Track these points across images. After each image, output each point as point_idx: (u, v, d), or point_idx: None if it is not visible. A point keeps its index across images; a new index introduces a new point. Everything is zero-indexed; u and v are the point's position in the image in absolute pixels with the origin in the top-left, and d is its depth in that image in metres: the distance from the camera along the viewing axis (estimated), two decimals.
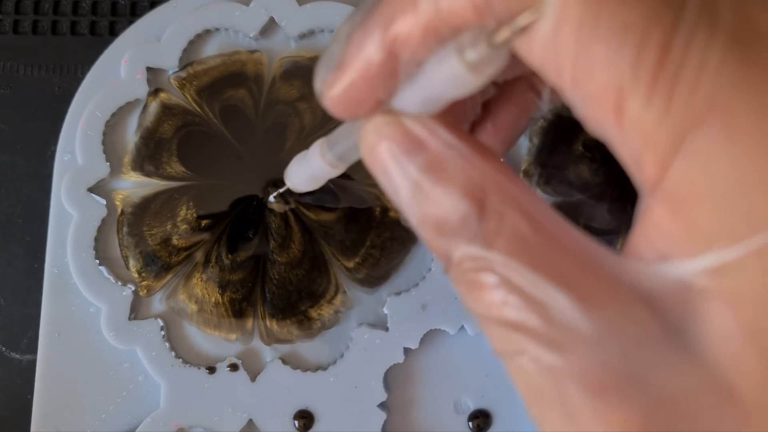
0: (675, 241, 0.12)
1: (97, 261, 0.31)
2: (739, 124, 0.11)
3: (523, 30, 0.12)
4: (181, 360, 0.30)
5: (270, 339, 0.31)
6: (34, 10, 0.36)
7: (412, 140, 0.14)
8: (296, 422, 0.30)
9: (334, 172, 0.19)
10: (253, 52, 0.33)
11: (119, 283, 0.31)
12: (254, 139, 0.32)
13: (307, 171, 0.20)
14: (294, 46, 0.34)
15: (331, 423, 0.30)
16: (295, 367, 0.31)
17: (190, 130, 0.32)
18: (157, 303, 0.31)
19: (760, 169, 0.11)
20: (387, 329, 0.31)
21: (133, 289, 0.31)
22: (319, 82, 0.15)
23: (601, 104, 0.12)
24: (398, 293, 0.31)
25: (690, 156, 0.11)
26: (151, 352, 0.30)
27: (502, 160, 0.14)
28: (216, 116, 0.32)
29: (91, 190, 0.32)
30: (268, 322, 0.31)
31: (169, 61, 0.33)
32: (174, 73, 0.33)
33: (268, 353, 0.31)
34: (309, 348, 0.31)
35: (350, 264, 0.31)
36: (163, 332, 0.31)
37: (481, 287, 0.13)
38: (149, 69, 0.33)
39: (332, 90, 0.14)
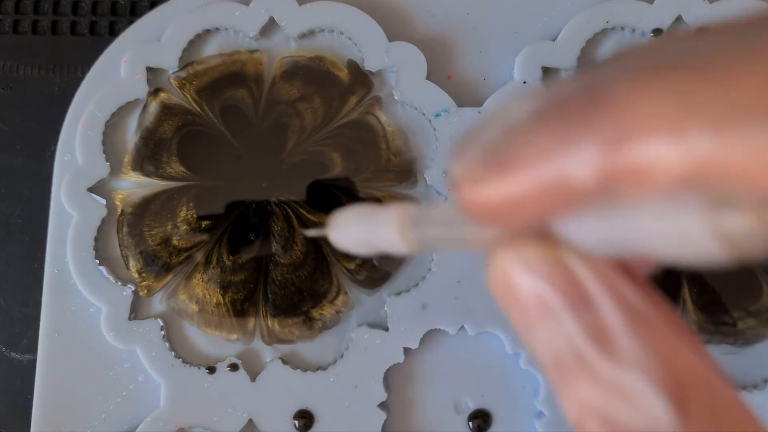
0: None
1: (97, 261, 0.31)
2: None
3: None
4: (181, 360, 0.31)
5: (271, 339, 0.31)
6: (34, 10, 0.36)
7: (577, 291, 0.10)
8: (296, 422, 0.30)
9: (403, 251, 0.15)
10: (253, 51, 0.33)
11: (119, 283, 0.31)
12: (254, 139, 0.32)
13: (368, 235, 0.16)
14: (294, 46, 0.34)
15: (331, 423, 0.30)
16: (295, 367, 0.31)
17: (190, 130, 0.32)
18: (157, 303, 0.31)
19: None
20: (387, 329, 0.31)
21: (133, 289, 0.31)
22: (459, 169, 0.11)
23: None
24: (398, 293, 0.31)
25: None
26: (151, 352, 0.30)
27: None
28: (216, 116, 0.32)
29: (91, 190, 0.32)
30: (269, 323, 0.31)
31: (169, 61, 0.33)
32: (174, 73, 0.33)
33: (268, 353, 0.31)
34: (309, 348, 0.31)
35: (351, 266, 0.31)
36: (163, 332, 0.31)
37: None
38: (149, 69, 0.33)
39: (485, 189, 0.10)
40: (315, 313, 0.31)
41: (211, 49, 0.34)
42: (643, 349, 0.10)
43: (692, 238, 0.09)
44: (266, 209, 0.32)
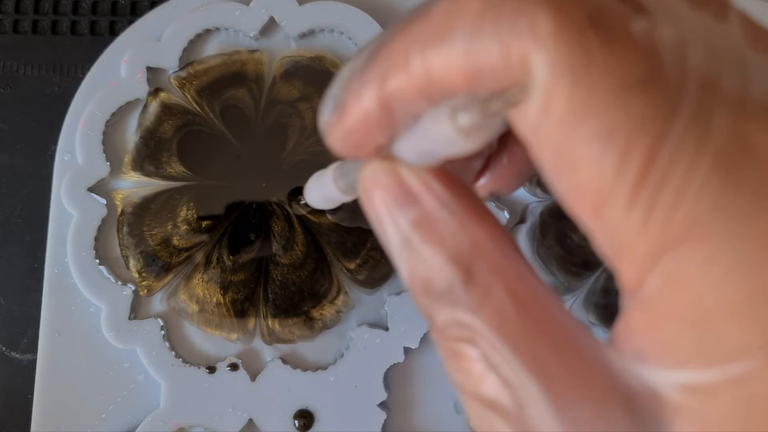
0: (651, 348, 0.11)
1: (97, 261, 0.31)
2: (716, 251, 0.10)
3: (513, 104, 0.11)
4: (181, 360, 0.30)
5: (271, 339, 0.31)
6: (34, 9, 0.36)
7: (405, 192, 0.13)
8: (296, 422, 0.30)
9: (347, 198, 0.19)
10: (253, 51, 0.33)
11: (119, 283, 0.31)
12: (255, 138, 0.32)
13: (322, 192, 0.19)
14: (294, 46, 0.34)
15: (331, 423, 0.30)
16: (295, 366, 0.31)
17: (190, 129, 0.32)
18: (158, 303, 0.31)
19: (735, 299, 0.10)
20: (387, 329, 0.31)
21: (133, 288, 0.31)
22: (322, 121, 0.15)
23: (581, 201, 0.11)
24: (398, 293, 0.31)
25: (666, 274, 0.11)
26: (151, 351, 0.30)
27: (504, 225, 0.13)
28: (216, 116, 0.32)
29: (91, 189, 0.32)
30: (270, 322, 0.31)
31: (169, 60, 0.33)
32: (174, 72, 0.33)
33: (268, 353, 0.31)
34: (309, 348, 0.31)
35: (351, 265, 0.31)
36: (163, 332, 0.31)
37: (461, 357, 0.12)
38: (149, 69, 0.33)
39: (333, 132, 0.14)
40: (315, 313, 0.31)
41: (211, 49, 0.34)
42: (448, 233, 0.12)
43: (447, 136, 0.12)
44: (266, 209, 0.32)
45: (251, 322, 0.31)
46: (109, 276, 0.31)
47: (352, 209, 0.31)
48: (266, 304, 0.31)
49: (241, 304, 0.31)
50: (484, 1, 0.11)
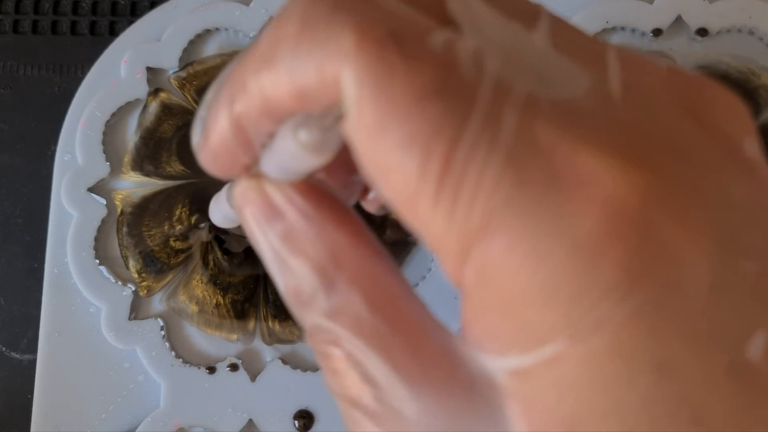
0: (480, 337, 0.12)
1: (97, 261, 0.31)
2: (512, 244, 0.11)
3: (340, 120, 0.12)
4: (181, 360, 0.31)
5: (272, 339, 0.31)
6: (34, 10, 0.36)
7: (270, 207, 0.14)
8: (296, 422, 0.30)
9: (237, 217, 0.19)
10: None
11: (119, 283, 0.31)
12: None
13: (221, 212, 0.20)
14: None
15: (331, 423, 0.30)
16: (295, 367, 0.31)
17: (190, 129, 0.32)
18: (157, 303, 0.31)
19: (533, 287, 0.11)
20: None
21: (133, 289, 0.31)
22: (193, 143, 0.15)
23: (399, 205, 0.12)
24: None
25: (477, 267, 0.11)
26: (151, 352, 0.30)
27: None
28: None
29: (91, 190, 0.32)
30: (270, 323, 0.31)
31: (169, 61, 0.33)
32: (174, 73, 0.33)
33: (268, 353, 0.31)
34: (309, 348, 0.31)
35: None
36: (163, 332, 0.31)
37: (329, 359, 0.13)
38: (149, 69, 0.33)
39: (202, 154, 0.15)
40: None
41: (211, 49, 0.34)
42: (309, 243, 0.13)
43: (295, 152, 0.13)
44: None
45: (251, 323, 0.31)
46: (109, 276, 0.31)
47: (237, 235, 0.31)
48: (266, 304, 0.31)
49: (241, 305, 0.31)
50: (300, 26, 0.12)
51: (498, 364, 0.12)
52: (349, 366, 0.13)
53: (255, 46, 0.13)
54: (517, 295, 0.11)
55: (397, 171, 0.11)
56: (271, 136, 0.13)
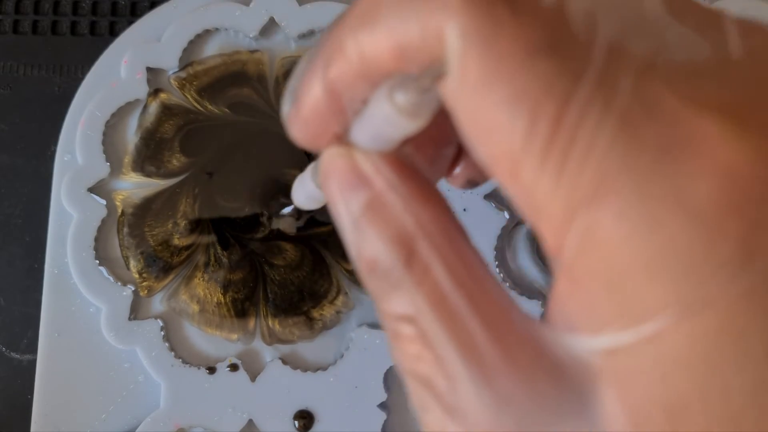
0: (577, 314, 0.12)
1: (97, 261, 0.31)
2: (625, 208, 0.10)
3: (440, 79, 0.12)
4: (181, 360, 0.31)
5: (272, 339, 0.31)
6: (34, 10, 0.36)
7: (358, 176, 0.14)
8: (296, 422, 0.30)
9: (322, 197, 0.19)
10: (253, 52, 0.33)
11: (119, 284, 0.31)
12: (270, 130, 0.32)
13: (304, 191, 0.20)
14: (294, 47, 0.34)
15: (331, 423, 0.30)
16: (295, 367, 0.31)
17: (193, 127, 0.32)
18: (158, 303, 0.31)
19: (643, 256, 0.10)
20: None
21: (133, 289, 0.31)
22: (284, 115, 0.15)
23: (499, 166, 0.12)
24: None
25: (580, 233, 0.11)
26: (151, 352, 0.30)
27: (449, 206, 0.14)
28: (224, 111, 0.32)
29: (91, 190, 0.32)
30: (270, 322, 0.31)
31: (169, 61, 0.33)
32: (174, 73, 0.33)
33: (268, 353, 0.31)
34: (309, 348, 0.31)
35: (351, 267, 0.31)
36: (163, 332, 0.31)
37: (400, 336, 0.13)
38: (149, 69, 0.33)
39: (293, 124, 0.15)
40: (315, 313, 0.31)
41: (211, 49, 0.34)
42: (393, 215, 0.13)
43: (389, 116, 0.12)
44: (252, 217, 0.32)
45: (251, 322, 0.31)
46: (109, 276, 0.31)
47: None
48: (266, 303, 0.31)
49: (241, 304, 0.31)
50: None
51: (592, 343, 0.11)
52: (423, 346, 0.12)
53: (353, 6, 0.13)
54: (623, 265, 0.11)
55: (502, 130, 0.11)
56: (365, 102, 0.13)
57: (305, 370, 0.31)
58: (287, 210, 0.31)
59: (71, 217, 0.31)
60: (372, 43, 0.12)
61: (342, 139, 0.14)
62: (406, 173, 0.14)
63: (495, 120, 0.11)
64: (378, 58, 0.12)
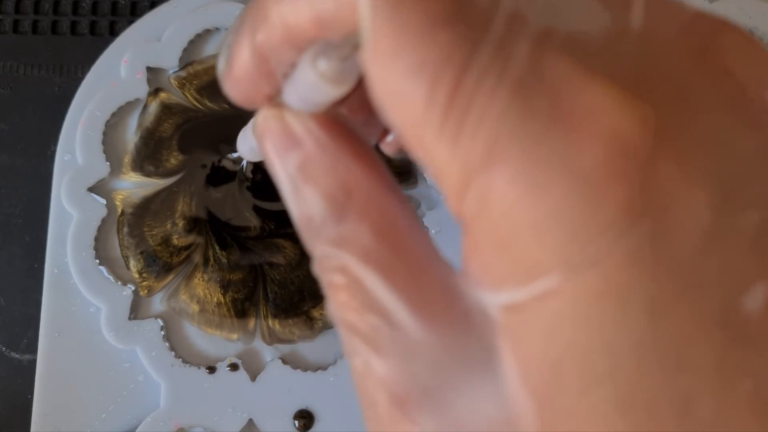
0: (477, 272, 0.12)
1: (97, 261, 0.31)
2: (516, 173, 0.11)
3: (357, 48, 0.12)
4: (181, 360, 0.30)
5: (272, 339, 0.31)
6: (34, 10, 0.36)
7: (289, 137, 0.14)
8: (296, 422, 0.30)
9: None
10: None
11: (119, 283, 0.31)
12: None
13: (247, 143, 0.20)
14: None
15: (331, 423, 0.30)
16: (295, 367, 0.31)
17: (193, 124, 0.32)
18: (157, 303, 0.31)
19: (532, 218, 0.11)
20: None
21: (133, 288, 0.31)
22: (218, 71, 0.16)
23: (406, 134, 0.12)
24: None
25: (478, 197, 0.11)
26: (151, 352, 0.30)
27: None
28: (224, 107, 0.32)
29: (91, 190, 0.32)
30: (270, 322, 0.31)
31: (169, 61, 0.33)
32: (174, 72, 0.33)
33: (268, 353, 0.31)
34: (309, 348, 0.31)
35: None
36: (163, 332, 0.31)
37: (332, 287, 0.13)
38: (149, 69, 0.33)
39: (226, 82, 0.15)
40: (315, 313, 0.31)
41: (211, 49, 0.34)
42: (324, 172, 0.14)
43: (314, 82, 0.13)
44: (244, 211, 0.32)
45: (252, 322, 0.31)
46: (109, 276, 0.31)
47: None
48: (266, 303, 0.31)
49: (241, 304, 0.31)
50: None
51: (493, 299, 0.12)
52: (354, 292, 0.13)
53: None
54: (514, 227, 0.11)
55: (406, 98, 0.11)
56: (293, 66, 0.14)
57: (305, 369, 0.31)
58: (233, 155, 0.32)
59: (71, 216, 0.31)
60: (293, 12, 0.13)
61: (274, 100, 0.15)
62: (338, 132, 0.14)
63: (400, 88, 0.11)
64: (299, 26, 0.13)
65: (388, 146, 0.19)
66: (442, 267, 0.13)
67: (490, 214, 0.11)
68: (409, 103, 0.11)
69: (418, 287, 0.13)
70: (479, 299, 0.12)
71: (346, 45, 0.12)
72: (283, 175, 0.14)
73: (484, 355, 0.12)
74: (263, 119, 0.15)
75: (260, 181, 0.32)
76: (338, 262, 0.13)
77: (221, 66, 0.15)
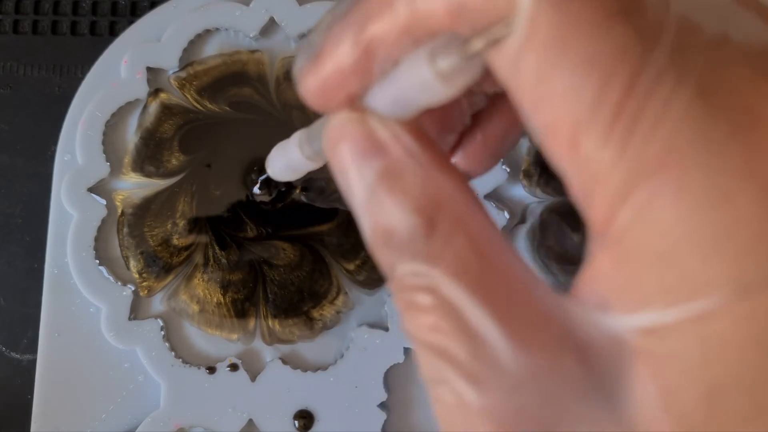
0: (615, 292, 0.11)
1: (97, 261, 0.31)
2: (689, 183, 0.10)
3: (496, 43, 0.11)
4: (181, 360, 0.31)
5: (272, 339, 0.31)
6: (34, 10, 0.36)
7: (373, 143, 0.13)
8: (296, 422, 0.30)
9: (312, 165, 0.18)
10: (253, 52, 0.33)
11: (119, 283, 0.31)
12: (271, 125, 0.32)
13: (285, 161, 0.19)
14: (295, 47, 0.34)
15: (331, 423, 0.30)
16: (295, 367, 0.31)
17: (194, 125, 0.32)
18: (157, 303, 0.31)
19: (703, 232, 0.10)
20: (387, 329, 0.31)
21: (133, 289, 0.31)
22: (297, 70, 0.14)
23: (558, 134, 0.11)
24: None
25: (638, 206, 0.11)
26: (151, 352, 0.30)
27: (466, 179, 0.13)
28: (224, 109, 0.32)
29: (91, 190, 0.32)
30: (270, 322, 0.31)
31: (169, 61, 0.33)
32: (174, 73, 0.33)
33: (268, 353, 0.31)
34: (309, 348, 0.31)
35: (351, 266, 0.31)
36: (163, 332, 0.31)
37: (415, 307, 0.12)
38: (149, 69, 0.33)
39: (307, 79, 0.14)
40: (315, 313, 0.31)
41: (211, 49, 0.34)
42: (413, 183, 0.13)
43: (424, 81, 0.12)
44: (249, 206, 0.32)
45: (251, 323, 0.31)
46: (109, 276, 0.31)
47: (320, 187, 0.31)
48: (266, 303, 0.31)
49: (241, 304, 0.31)
50: None
51: (628, 322, 0.11)
52: (441, 316, 0.12)
53: None
54: (679, 240, 0.10)
55: (567, 95, 0.11)
56: (396, 63, 0.13)
57: (305, 370, 0.31)
58: (256, 190, 0.31)
59: (71, 217, 0.31)
60: None
61: (354, 103, 0.14)
62: (425, 141, 0.13)
63: (562, 84, 0.11)
64: (431, 15, 0.12)
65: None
66: (542, 289, 0.12)
67: (650, 225, 0.10)
68: (571, 103, 0.11)
69: (518, 311, 0.12)
70: (601, 324, 0.11)
71: (478, 39, 0.11)
72: (358, 183, 0.13)
73: (604, 385, 0.11)
74: (341, 122, 0.13)
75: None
76: (427, 281, 0.12)
77: (300, 64, 0.14)
